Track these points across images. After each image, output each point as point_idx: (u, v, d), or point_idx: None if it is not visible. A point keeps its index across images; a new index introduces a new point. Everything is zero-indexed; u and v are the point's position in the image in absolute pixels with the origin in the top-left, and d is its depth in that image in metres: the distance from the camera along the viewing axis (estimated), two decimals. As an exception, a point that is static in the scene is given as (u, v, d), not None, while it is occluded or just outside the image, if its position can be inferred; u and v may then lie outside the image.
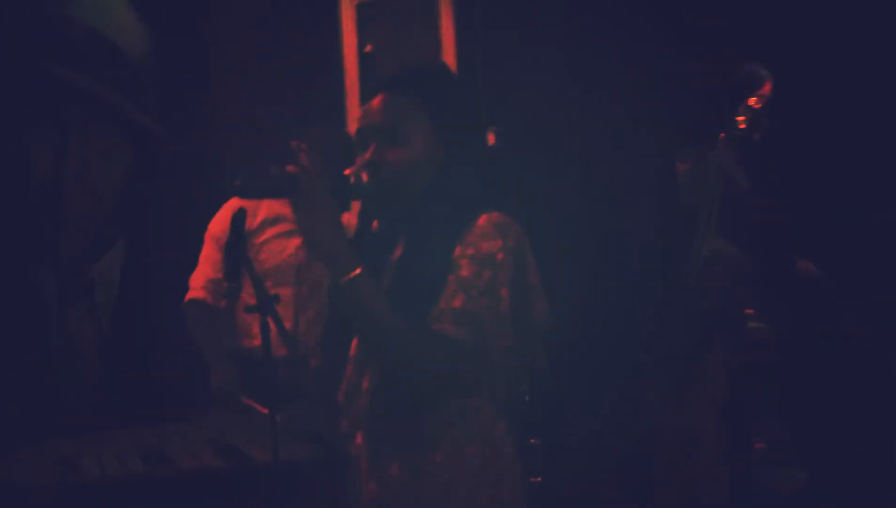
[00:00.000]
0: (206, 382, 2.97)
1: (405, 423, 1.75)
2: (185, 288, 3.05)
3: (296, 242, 2.93)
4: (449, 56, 4.16)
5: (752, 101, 3.26)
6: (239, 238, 2.21)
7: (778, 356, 3.03)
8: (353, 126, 3.79)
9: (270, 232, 2.91)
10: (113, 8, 3.06)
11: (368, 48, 4.29)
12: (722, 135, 3.25)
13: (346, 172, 1.81)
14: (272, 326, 2.07)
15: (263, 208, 2.96)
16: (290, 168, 1.71)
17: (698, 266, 3.14)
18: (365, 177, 1.81)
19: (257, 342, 2.47)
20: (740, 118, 3.27)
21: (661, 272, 3.32)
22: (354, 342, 1.88)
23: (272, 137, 3.74)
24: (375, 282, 1.69)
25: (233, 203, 2.91)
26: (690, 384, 3.01)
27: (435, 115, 1.88)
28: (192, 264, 3.28)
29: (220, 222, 2.88)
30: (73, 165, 3.33)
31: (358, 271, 1.68)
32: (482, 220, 1.83)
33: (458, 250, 1.76)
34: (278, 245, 2.91)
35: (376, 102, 1.86)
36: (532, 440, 3.20)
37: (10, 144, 3.33)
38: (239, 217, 2.14)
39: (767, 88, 3.25)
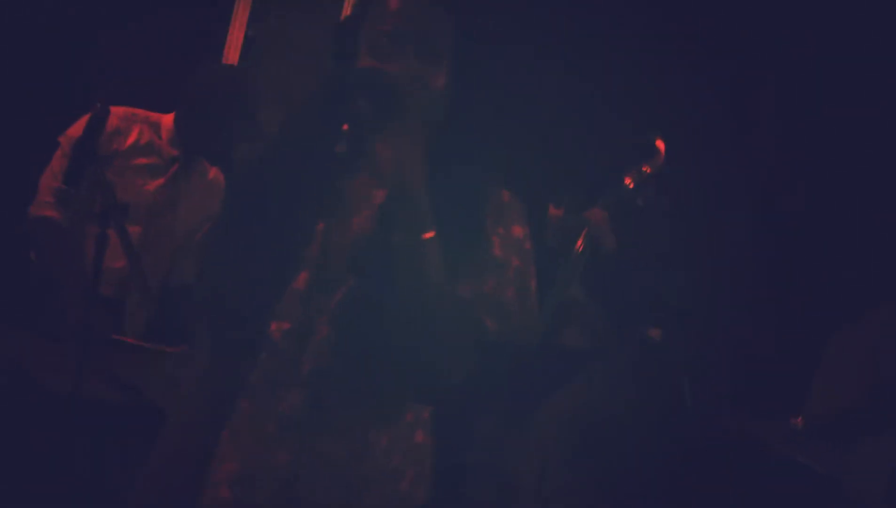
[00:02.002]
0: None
1: (360, 395, 1.46)
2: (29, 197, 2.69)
3: (159, 181, 2.67)
4: None
5: (645, 168, 3.27)
6: (91, 139, 1.94)
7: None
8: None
9: (138, 161, 2.63)
10: None
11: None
12: (605, 196, 3.24)
13: None
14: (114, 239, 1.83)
15: (136, 131, 2.66)
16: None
17: (551, 309, 3.10)
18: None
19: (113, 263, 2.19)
20: (628, 180, 3.27)
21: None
22: (305, 276, 1.51)
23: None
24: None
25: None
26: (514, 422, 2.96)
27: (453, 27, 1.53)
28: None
29: (80, 126, 2.56)
30: None
31: (433, 232, 1.41)
32: (506, 197, 1.58)
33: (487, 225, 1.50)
34: (141, 178, 2.64)
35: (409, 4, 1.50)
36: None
37: None
38: (99, 118, 1.88)
39: (660, 155, 3.26)
